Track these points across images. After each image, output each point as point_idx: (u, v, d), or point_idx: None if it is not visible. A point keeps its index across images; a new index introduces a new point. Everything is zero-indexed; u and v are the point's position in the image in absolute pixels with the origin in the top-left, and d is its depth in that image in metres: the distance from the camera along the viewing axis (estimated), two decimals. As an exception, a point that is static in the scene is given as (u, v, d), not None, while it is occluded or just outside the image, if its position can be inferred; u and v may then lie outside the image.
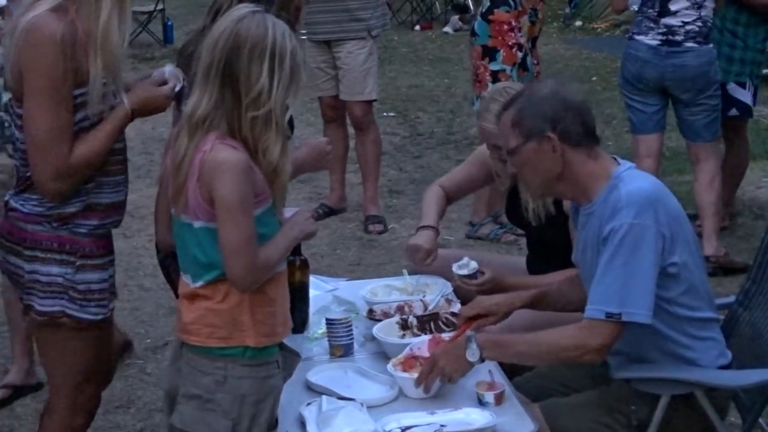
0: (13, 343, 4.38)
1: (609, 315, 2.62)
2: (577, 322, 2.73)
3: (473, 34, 5.89)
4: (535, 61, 5.88)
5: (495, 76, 5.61)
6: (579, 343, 2.69)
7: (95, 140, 2.67)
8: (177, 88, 2.83)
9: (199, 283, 2.48)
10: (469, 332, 2.78)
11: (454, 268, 3.38)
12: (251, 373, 2.50)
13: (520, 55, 5.65)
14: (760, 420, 2.99)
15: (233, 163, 2.39)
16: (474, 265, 3.29)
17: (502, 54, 5.67)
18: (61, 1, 2.60)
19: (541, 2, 5.75)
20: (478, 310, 2.96)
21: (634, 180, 2.77)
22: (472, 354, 2.67)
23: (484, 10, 5.80)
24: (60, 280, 2.72)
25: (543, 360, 2.97)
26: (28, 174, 2.71)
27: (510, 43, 5.67)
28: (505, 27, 5.66)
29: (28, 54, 2.59)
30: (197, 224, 2.44)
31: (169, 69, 2.87)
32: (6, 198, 2.84)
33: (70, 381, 2.87)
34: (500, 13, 5.66)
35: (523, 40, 5.68)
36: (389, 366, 2.88)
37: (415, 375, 2.77)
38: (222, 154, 2.39)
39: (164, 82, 2.82)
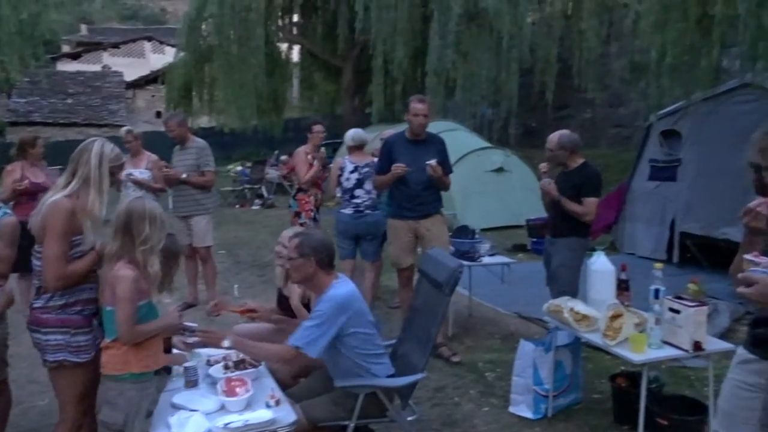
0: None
1: (296, 347, 2.71)
2: (281, 345, 2.79)
3: (289, 206, 6.10)
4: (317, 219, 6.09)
5: (302, 225, 5.71)
6: (281, 355, 2.79)
7: (79, 265, 2.57)
8: None
9: (109, 340, 2.43)
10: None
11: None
12: (134, 387, 2.43)
13: (312, 214, 5.95)
14: (410, 402, 3.08)
15: (128, 277, 2.40)
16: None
17: (303, 214, 5.92)
18: (72, 191, 2.58)
19: (320, 191, 6.04)
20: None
21: (343, 286, 2.87)
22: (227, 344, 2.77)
23: (294, 193, 6.05)
24: (63, 342, 2.56)
25: (262, 359, 2.94)
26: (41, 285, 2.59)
27: (307, 209, 5.93)
28: (304, 202, 5.92)
29: (51, 217, 2.52)
30: (108, 308, 2.41)
31: None
32: (31, 302, 2.64)
33: (73, 398, 2.65)
34: (301, 195, 5.93)
35: (312, 207, 5.96)
36: (220, 394, 2.71)
37: (229, 398, 2.62)
38: (123, 272, 2.40)
39: None
